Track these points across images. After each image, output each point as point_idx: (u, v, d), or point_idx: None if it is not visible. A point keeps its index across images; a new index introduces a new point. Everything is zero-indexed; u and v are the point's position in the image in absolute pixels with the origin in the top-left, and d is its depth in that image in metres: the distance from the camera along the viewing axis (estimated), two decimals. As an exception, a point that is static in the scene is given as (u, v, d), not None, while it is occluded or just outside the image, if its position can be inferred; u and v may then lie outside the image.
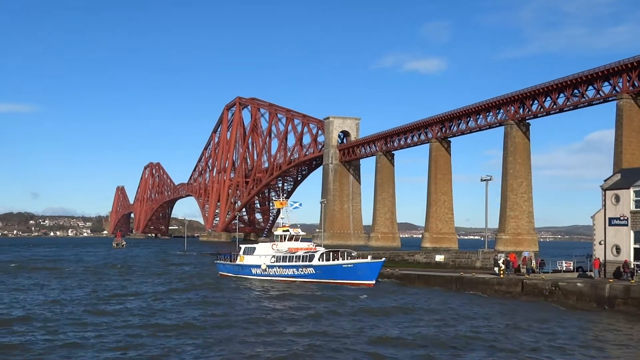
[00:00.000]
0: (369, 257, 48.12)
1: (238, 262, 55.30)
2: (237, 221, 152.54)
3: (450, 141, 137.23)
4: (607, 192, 38.46)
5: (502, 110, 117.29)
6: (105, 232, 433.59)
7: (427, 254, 59.76)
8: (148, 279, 51.92)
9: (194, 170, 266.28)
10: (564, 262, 45.61)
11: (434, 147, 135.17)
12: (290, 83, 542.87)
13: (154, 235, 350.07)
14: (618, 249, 37.84)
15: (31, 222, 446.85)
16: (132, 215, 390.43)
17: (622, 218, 37.54)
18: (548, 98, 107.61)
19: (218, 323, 27.24)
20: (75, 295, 37.69)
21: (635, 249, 37.26)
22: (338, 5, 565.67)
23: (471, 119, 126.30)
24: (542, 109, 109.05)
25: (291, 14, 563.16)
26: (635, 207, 37.14)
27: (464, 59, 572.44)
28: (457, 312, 31.51)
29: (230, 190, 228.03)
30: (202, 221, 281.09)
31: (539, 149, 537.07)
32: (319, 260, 48.04)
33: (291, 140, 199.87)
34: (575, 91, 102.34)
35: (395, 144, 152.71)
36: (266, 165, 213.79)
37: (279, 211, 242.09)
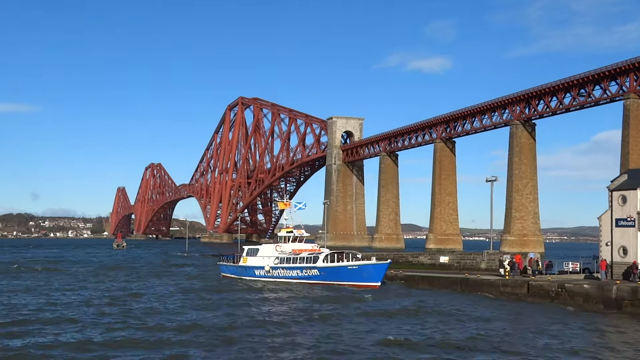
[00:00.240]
0: (373, 258, 48.15)
1: (241, 263, 55.49)
2: (239, 222, 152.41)
3: (454, 141, 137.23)
4: (614, 193, 38.53)
5: (507, 110, 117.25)
6: (105, 233, 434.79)
7: (432, 256, 59.91)
8: (149, 280, 52.14)
9: (196, 170, 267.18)
10: (570, 263, 45.61)
11: (439, 148, 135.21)
12: (293, 83, 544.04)
13: (154, 236, 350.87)
14: (625, 250, 37.90)
15: (31, 223, 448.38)
16: (133, 216, 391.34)
17: (629, 219, 37.60)
18: (554, 98, 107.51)
19: (222, 326, 27.38)
20: (72, 299, 37.82)
21: (642, 250, 37.29)
22: (341, 4, 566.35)
23: (476, 119, 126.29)
24: (548, 109, 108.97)
25: (294, 14, 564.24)
26: (643, 208, 37.18)
27: (469, 58, 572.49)
28: (462, 314, 31.63)
29: (232, 191, 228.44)
30: (203, 222, 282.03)
31: (545, 149, 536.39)
32: (323, 261, 48.10)
33: (294, 141, 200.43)
34: (582, 91, 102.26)
35: (399, 144, 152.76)
36: (268, 165, 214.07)
37: (281, 212, 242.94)
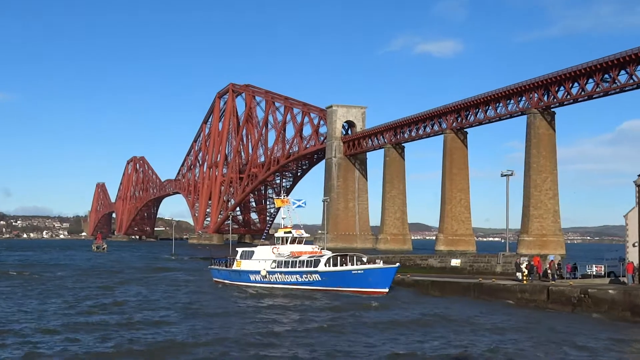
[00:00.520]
0: (380, 261, 48.11)
1: (234, 267, 55.54)
2: (230, 222, 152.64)
3: (466, 132, 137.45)
4: (642, 189, 38.69)
5: (524, 98, 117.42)
6: (84, 233, 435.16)
7: (442, 258, 60.17)
8: (132, 287, 52.21)
9: (182, 165, 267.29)
10: (594, 266, 45.82)
11: (449, 139, 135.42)
12: (289, 68, 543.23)
13: (138, 237, 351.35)
14: (654, 253, 38.13)
15: (2, 222, 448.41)
16: (114, 215, 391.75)
17: (658, 218, 37.79)
18: (575, 84, 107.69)
19: (212, 339, 27.41)
20: (47, 307, 37.94)
21: (672, 252, 37.54)
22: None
23: (490, 107, 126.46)
24: (568, 96, 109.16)
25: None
26: (673, 207, 37.38)
27: (482, 41, 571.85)
28: (477, 324, 31.80)
29: (222, 187, 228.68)
30: (191, 222, 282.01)
31: (566, 140, 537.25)
32: (325, 265, 48.02)
33: (290, 132, 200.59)
34: (606, 76, 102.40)
35: (405, 135, 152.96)
36: (262, 159, 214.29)
37: (277, 210, 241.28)
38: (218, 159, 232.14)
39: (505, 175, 56.17)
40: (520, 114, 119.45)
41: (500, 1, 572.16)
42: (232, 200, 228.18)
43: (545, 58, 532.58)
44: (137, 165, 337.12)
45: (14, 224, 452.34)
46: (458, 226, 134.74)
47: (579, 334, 29.04)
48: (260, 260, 53.05)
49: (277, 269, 51.20)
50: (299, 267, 49.46)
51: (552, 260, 44.82)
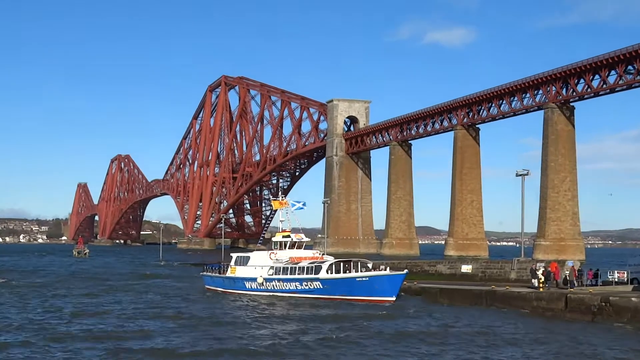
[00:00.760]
0: (386, 267, 48.10)
1: (229, 274, 55.74)
2: (222, 225, 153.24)
3: (479, 128, 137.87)
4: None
5: (541, 91, 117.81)
6: (64, 237, 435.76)
7: (452, 264, 60.48)
8: (117, 295, 52.37)
9: (171, 164, 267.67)
10: (616, 272, 46.15)
11: (460, 136, 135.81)
12: (286, 59, 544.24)
13: (122, 241, 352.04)
14: (680, 258, 38.47)
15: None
16: (97, 217, 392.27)
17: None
18: (597, 76, 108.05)
19: (205, 350, 27.51)
20: (24, 316, 38.06)
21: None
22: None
23: (504, 101, 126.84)
24: (589, 89, 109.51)
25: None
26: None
27: (496, 29, 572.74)
28: (492, 335, 31.97)
29: (214, 188, 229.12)
30: (180, 225, 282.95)
31: (586, 137, 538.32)
32: (327, 272, 48.16)
33: (287, 128, 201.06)
34: (630, 67, 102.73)
35: (412, 131, 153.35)
36: (257, 157, 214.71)
37: (271, 213, 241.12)
38: (209, 158, 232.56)
39: (520, 175, 56.46)
40: (537, 109, 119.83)
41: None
42: (224, 201, 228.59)
43: (564, 48, 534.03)
44: (122, 164, 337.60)
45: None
46: (469, 230, 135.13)
47: (601, 345, 29.26)
48: (256, 266, 53.20)
49: (274, 276, 51.37)
50: (299, 273, 49.62)
51: (572, 267, 45.09)
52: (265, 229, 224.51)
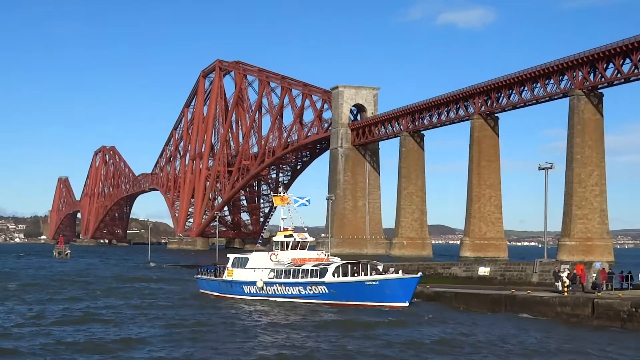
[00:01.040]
0: (398, 270, 48.13)
1: (225, 277, 55.97)
2: (217, 223, 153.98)
3: (498, 117, 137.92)
4: None
5: (566, 77, 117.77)
6: (43, 237, 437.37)
7: (468, 266, 60.70)
8: (102, 300, 52.59)
9: (160, 156, 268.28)
10: (646, 275, 46.50)
11: (477, 126, 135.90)
12: (287, 41, 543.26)
13: (107, 241, 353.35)
14: None
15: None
16: (79, 215, 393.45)
17: None
18: (627, 60, 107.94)
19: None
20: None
21: None
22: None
23: (526, 88, 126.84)
24: (619, 75, 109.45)
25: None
26: None
27: (516, 9, 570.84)
28: (511, 344, 32.15)
29: (208, 183, 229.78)
30: (170, 223, 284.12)
31: (615, 127, 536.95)
32: (333, 275, 48.21)
33: (288, 117, 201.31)
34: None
35: (425, 121, 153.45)
36: (255, 149, 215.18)
37: (271, 210, 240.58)
38: (202, 150, 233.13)
39: (543, 169, 56.62)
40: (562, 96, 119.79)
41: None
42: (219, 198, 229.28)
43: (592, 29, 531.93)
44: (107, 156, 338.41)
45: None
46: (487, 229, 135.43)
47: (634, 356, 29.39)
48: (255, 269, 53.23)
49: (275, 280, 51.51)
50: (302, 277, 49.69)
51: (600, 269, 45.36)
52: (265, 228, 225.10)
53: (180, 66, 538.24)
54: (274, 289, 51.58)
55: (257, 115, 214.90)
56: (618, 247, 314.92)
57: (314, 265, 49.80)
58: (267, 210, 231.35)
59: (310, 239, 54.95)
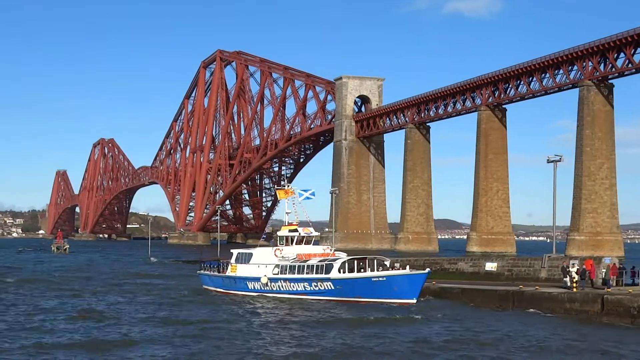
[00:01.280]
0: (405, 266, 48.30)
1: (229, 273, 56.10)
2: (218, 217, 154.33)
3: (506, 109, 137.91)
4: None
5: (576, 67, 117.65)
6: (41, 231, 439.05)
7: (475, 261, 60.99)
8: (102, 296, 52.78)
9: (160, 149, 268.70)
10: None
11: (484, 117, 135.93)
12: (289, 31, 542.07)
13: (106, 236, 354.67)
14: None
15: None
16: (78, 209, 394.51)
17: None
18: (639, 50, 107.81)
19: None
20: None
21: None
22: None
23: (534, 78, 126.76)
24: (630, 65, 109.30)
25: None
26: None
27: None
28: (517, 341, 32.37)
29: (209, 176, 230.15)
30: (171, 217, 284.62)
31: (626, 119, 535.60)
32: (339, 271, 48.30)
33: (291, 109, 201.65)
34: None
35: (431, 112, 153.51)
36: (257, 142, 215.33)
37: (274, 203, 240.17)
38: (203, 142, 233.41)
39: (552, 162, 56.72)
40: (571, 87, 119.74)
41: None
42: (220, 191, 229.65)
43: (603, 18, 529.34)
44: (106, 149, 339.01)
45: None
46: (494, 223, 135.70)
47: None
48: (260, 264, 53.32)
49: (280, 275, 51.65)
50: (308, 273, 49.78)
51: (609, 264, 45.61)
52: (268, 222, 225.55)
53: (180, 57, 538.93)
54: (278, 285, 51.71)
55: (259, 107, 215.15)
56: (628, 241, 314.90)
57: (320, 261, 49.87)
58: (269, 204, 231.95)
59: (315, 233, 54.75)
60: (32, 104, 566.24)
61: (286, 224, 55.24)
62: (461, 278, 56.38)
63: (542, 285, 47.14)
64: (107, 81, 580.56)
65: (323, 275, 48.86)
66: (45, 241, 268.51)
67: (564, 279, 44.69)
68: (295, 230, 53.69)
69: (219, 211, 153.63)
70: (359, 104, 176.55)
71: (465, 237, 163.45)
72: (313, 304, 47.11)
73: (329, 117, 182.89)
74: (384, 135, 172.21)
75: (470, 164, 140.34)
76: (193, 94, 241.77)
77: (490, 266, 57.11)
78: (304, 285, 50.12)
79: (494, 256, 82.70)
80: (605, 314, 38.89)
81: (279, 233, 54.98)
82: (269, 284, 52.18)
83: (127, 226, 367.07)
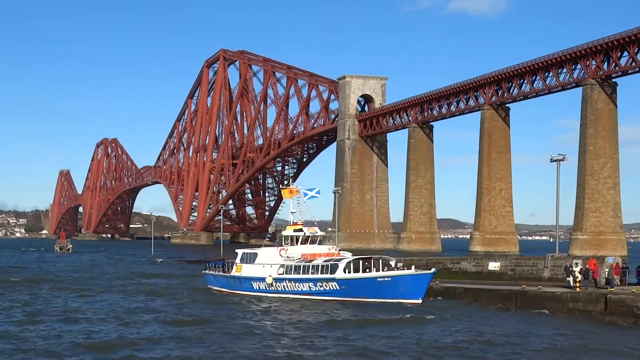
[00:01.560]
0: (411, 266, 48.45)
1: (234, 273, 56.24)
2: (221, 217, 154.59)
3: (509, 108, 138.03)
4: None
5: (579, 66, 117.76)
6: (45, 231, 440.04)
7: (478, 261, 61.13)
8: (106, 296, 53.00)
9: (163, 149, 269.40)
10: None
11: (488, 117, 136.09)
12: (293, 31, 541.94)
13: (109, 235, 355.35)
14: None
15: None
16: (81, 209, 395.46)
17: None
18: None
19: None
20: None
21: None
22: None
23: (538, 77, 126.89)
24: (634, 64, 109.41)
25: None
26: None
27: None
28: (520, 341, 32.55)
29: (212, 176, 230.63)
30: (174, 217, 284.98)
31: (629, 118, 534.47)
32: (344, 271, 48.31)
33: (294, 108, 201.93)
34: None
35: (434, 112, 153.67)
36: (260, 141, 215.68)
37: (277, 203, 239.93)
38: (206, 142, 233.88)
39: (555, 161, 56.81)
40: (575, 86, 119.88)
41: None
42: (223, 191, 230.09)
43: (606, 17, 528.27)
44: (109, 148, 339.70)
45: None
46: (497, 222, 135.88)
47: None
48: (264, 264, 53.39)
49: (285, 276, 51.68)
50: (313, 273, 49.85)
51: (612, 263, 45.82)
52: (271, 221, 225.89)
53: (184, 56, 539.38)
54: (283, 285, 51.74)
55: (262, 106, 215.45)
56: (632, 241, 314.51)
57: (325, 261, 49.78)
58: (272, 204, 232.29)
59: (320, 233, 54.58)
60: (32, 104, 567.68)
61: (291, 223, 55.17)
62: (464, 278, 56.46)
63: (545, 285, 47.25)
64: (110, 81, 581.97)
65: (328, 276, 48.92)
66: (49, 241, 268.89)
67: (567, 278, 44.83)
68: (300, 230, 53.56)
69: (222, 211, 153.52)
70: (362, 103, 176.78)
71: (468, 236, 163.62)
72: (318, 304, 47.04)
73: (332, 116, 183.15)
74: (387, 134, 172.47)
75: (474, 163, 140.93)
76: (196, 94, 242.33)
77: (493, 266, 57.24)
78: (309, 286, 50.18)
79: (497, 256, 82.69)
80: (608, 314, 39.04)
81: (284, 233, 54.87)
82: (274, 284, 52.23)
83: (130, 226, 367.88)
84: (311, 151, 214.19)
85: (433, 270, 48.29)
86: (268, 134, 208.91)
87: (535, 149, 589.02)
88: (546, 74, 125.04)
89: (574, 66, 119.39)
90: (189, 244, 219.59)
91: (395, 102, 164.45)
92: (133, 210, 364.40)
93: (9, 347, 30.51)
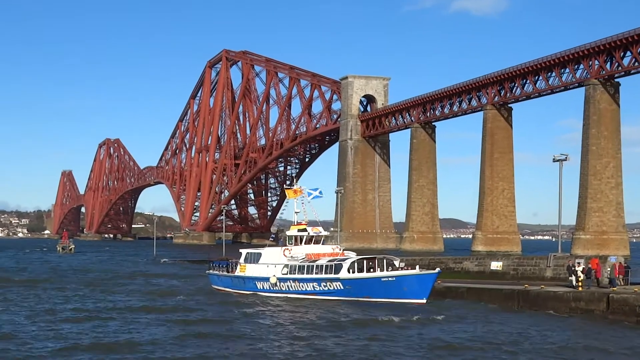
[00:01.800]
0: (416, 265, 48.51)
1: (238, 273, 56.32)
2: (223, 217, 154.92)
3: (511, 108, 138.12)
4: None
5: (582, 66, 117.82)
6: (47, 231, 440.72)
7: (480, 261, 61.30)
8: (109, 296, 53.12)
9: (166, 149, 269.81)
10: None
11: (490, 117, 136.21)
12: (295, 31, 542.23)
13: (112, 236, 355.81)
14: None
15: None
16: (83, 209, 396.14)
17: None
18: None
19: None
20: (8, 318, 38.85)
21: None
22: None
23: (540, 77, 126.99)
24: (636, 64, 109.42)
25: None
26: None
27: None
28: (522, 342, 32.70)
29: (214, 176, 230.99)
30: (176, 217, 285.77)
31: (632, 118, 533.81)
32: (348, 271, 48.37)
33: (296, 109, 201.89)
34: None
35: (436, 112, 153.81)
36: (263, 142, 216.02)
37: (279, 203, 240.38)
38: (209, 142, 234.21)
39: (558, 161, 57.00)
40: (577, 86, 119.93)
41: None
42: (225, 191, 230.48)
43: (609, 17, 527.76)
44: (111, 149, 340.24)
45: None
46: (500, 222, 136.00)
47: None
48: (268, 264, 53.46)
49: (289, 275, 51.76)
50: (317, 273, 49.90)
51: (615, 263, 46.03)
52: (274, 221, 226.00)
53: (186, 56, 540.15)
54: (287, 285, 51.82)
55: (264, 107, 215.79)
56: (634, 240, 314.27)
57: (329, 261, 49.86)
58: (275, 204, 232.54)
59: (324, 232, 54.65)
60: (33, 104, 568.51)
61: (295, 223, 55.18)
62: (466, 277, 56.59)
63: (547, 285, 47.35)
64: (111, 81, 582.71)
65: (332, 275, 48.99)
66: (51, 241, 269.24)
67: (570, 278, 44.98)
68: (304, 230, 53.66)
69: (224, 211, 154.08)
70: (365, 103, 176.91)
71: (470, 236, 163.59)
72: (322, 304, 47.03)
73: (335, 116, 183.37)
74: (390, 134, 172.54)
75: (476, 163, 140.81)
76: (199, 94, 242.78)
77: (496, 265, 57.43)
78: (313, 285, 50.27)
79: (499, 255, 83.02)
80: (611, 313, 39.19)
81: (288, 233, 54.93)
82: (278, 284, 52.33)
83: (133, 226, 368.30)
84: (313, 151, 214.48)
85: (438, 270, 48.47)
86: (270, 134, 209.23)
87: (537, 149, 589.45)
88: (549, 74, 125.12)
89: (576, 66, 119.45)
90: (191, 244, 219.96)
91: (398, 102, 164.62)
92: (135, 211, 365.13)
93: (12, 348, 30.66)
